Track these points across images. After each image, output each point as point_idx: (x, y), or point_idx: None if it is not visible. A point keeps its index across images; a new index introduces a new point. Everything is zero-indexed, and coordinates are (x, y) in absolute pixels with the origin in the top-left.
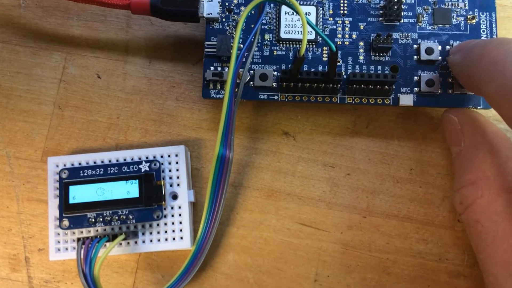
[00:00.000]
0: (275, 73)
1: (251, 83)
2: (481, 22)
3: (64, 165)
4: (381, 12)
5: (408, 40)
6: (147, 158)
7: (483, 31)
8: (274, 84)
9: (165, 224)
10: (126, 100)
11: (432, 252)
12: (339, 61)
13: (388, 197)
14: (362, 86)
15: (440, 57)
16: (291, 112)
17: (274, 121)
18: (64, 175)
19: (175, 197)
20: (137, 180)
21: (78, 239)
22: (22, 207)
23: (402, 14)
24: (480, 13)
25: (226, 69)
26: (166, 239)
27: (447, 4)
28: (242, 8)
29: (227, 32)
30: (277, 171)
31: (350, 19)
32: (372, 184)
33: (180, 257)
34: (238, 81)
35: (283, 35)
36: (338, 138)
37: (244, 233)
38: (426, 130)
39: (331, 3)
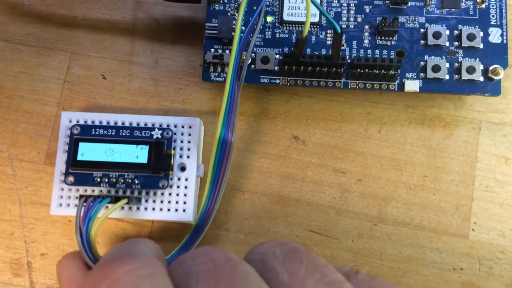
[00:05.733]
0: (277, 56)
1: (252, 66)
2: (490, 7)
3: (77, 121)
4: None
5: (415, 24)
6: (160, 125)
7: (493, 16)
8: (276, 68)
9: (170, 194)
10: (132, 102)
11: (445, 261)
12: (343, 45)
13: (401, 204)
14: (367, 70)
15: (447, 42)
16: (301, 115)
17: (283, 125)
18: (75, 131)
19: (183, 168)
20: (148, 146)
21: (81, 196)
22: (24, 211)
23: None
24: None
25: (227, 51)
26: (169, 209)
27: None
28: None
29: (229, 14)
30: (286, 176)
31: (356, 1)
32: (384, 190)
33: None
34: (240, 65)
35: (286, 17)
36: (349, 143)
37: (251, 239)
38: (440, 135)
39: None
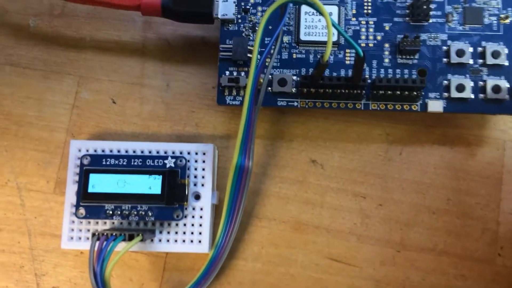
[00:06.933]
0: (295, 77)
1: (269, 88)
2: None
3: (87, 150)
4: (407, 11)
5: (437, 41)
6: (173, 152)
7: None
8: (294, 90)
9: (185, 225)
10: (143, 127)
11: None
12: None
13: (424, 229)
14: (388, 92)
15: (471, 60)
16: (318, 138)
17: (300, 148)
18: (85, 161)
19: (197, 197)
20: (161, 176)
21: (93, 234)
22: (34, 243)
23: (431, 14)
24: None
25: (242, 73)
26: (184, 241)
27: (478, 2)
28: (259, 8)
29: (243, 34)
30: (305, 202)
31: (375, 19)
32: (406, 215)
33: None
34: (258, 88)
35: (303, 37)
36: (369, 166)
37: (269, 269)
38: (464, 156)
39: (354, 2)
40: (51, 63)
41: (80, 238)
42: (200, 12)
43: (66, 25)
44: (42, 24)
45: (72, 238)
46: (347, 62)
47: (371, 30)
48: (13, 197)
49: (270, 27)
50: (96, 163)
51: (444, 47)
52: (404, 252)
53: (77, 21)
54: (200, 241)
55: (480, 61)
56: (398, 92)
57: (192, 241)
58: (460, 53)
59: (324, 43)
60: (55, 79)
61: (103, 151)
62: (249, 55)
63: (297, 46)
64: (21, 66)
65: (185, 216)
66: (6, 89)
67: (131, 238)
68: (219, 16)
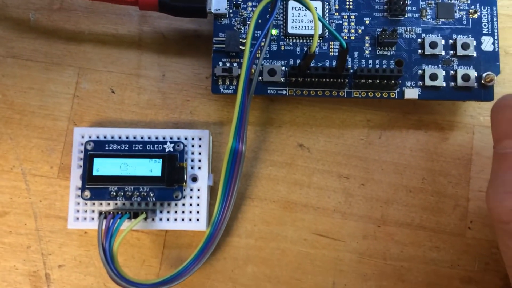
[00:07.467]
0: (283, 68)
1: (260, 78)
2: (482, 16)
3: (90, 137)
4: (385, 7)
5: (412, 34)
6: (171, 138)
7: (485, 25)
8: (282, 79)
9: (183, 204)
10: (141, 115)
11: (444, 259)
12: None
13: (402, 206)
14: (369, 80)
15: (443, 51)
16: (305, 124)
17: (288, 133)
18: (89, 147)
19: (194, 179)
20: (161, 160)
21: (100, 213)
22: (40, 224)
23: (406, 9)
24: (482, 7)
25: (235, 64)
26: (183, 219)
27: None
28: (249, 3)
29: (235, 28)
30: (293, 183)
31: (356, 14)
32: (385, 194)
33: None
34: (250, 78)
35: (290, 30)
36: (351, 149)
37: (262, 244)
38: (437, 140)
39: None
40: (52, 55)
41: (85, 219)
42: (194, 7)
43: (65, 19)
44: (42, 18)
45: (77, 218)
46: (331, 54)
47: (352, 24)
48: (18, 182)
49: (260, 21)
50: (99, 148)
51: (419, 40)
52: (384, 227)
53: (76, 15)
54: (198, 220)
55: (451, 52)
56: (378, 81)
57: (190, 219)
58: (433, 45)
59: (309, 36)
60: (56, 70)
61: (105, 137)
62: (241, 47)
63: (285, 39)
64: (23, 58)
65: (184, 197)
66: (9, 80)
67: (135, 216)
68: (212, 10)
